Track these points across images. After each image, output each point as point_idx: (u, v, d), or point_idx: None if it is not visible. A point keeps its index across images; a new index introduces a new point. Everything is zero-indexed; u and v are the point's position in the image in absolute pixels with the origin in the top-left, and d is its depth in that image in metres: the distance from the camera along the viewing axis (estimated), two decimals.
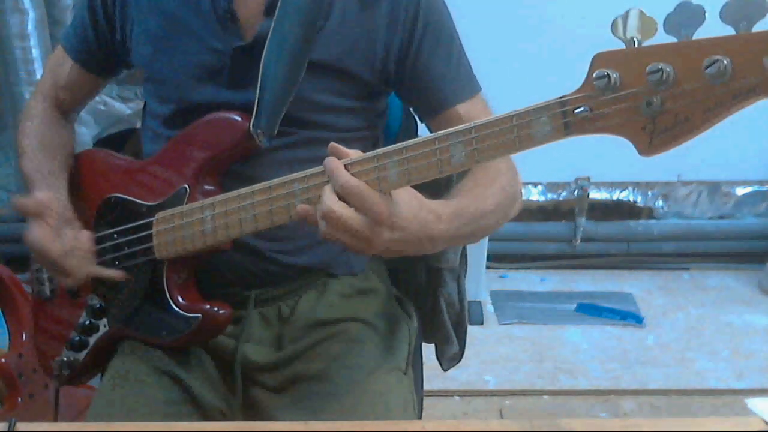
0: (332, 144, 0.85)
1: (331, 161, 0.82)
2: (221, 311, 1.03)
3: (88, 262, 1.07)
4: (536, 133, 0.74)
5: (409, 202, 0.83)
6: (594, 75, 0.70)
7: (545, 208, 2.82)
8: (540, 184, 2.80)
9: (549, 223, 2.83)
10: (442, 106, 1.05)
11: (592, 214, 2.80)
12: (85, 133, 2.42)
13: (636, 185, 2.81)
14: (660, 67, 0.66)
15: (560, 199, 2.81)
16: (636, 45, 0.69)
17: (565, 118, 0.73)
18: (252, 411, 1.08)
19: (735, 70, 0.63)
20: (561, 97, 0.73)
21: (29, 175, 1.13)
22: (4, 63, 2.31)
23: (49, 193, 1.08)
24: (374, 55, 1.03)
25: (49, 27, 2.34)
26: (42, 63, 2.32)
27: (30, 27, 2.26)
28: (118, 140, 1.28)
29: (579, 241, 2.80)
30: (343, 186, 0.80)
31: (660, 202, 2.83)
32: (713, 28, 0.66)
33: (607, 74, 0.69)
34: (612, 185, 2.80)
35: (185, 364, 1.08)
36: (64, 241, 1.05)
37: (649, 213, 2.84)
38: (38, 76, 2.32)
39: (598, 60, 0.71)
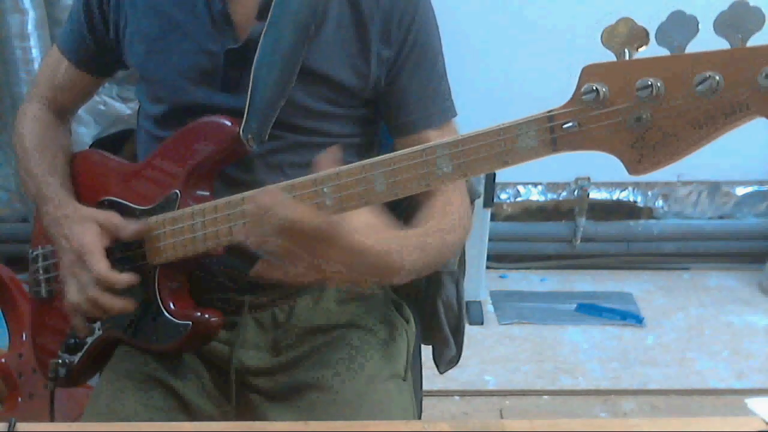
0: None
1: (273, 193, 0.79)
2: (212, 318, 1.02)
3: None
4: (523, 148, 0.72)
5: (368, 227, 0.81)
6: (582, 89, 0.68)
7: (545, 208, 2.82)
8: (540, 184, 2.80)
9: (549, 223, 2.83)
10: (411, 128, 1.04)
11: (592, 214, 2.80)
12: (85, 133, 2.42)
13: (636, 185, 2.81)
14: (650, 82, 0.64)
15: (560, 199, 2.81)
16: (627, 57, 0.66)
17: (552, 134, 0.70)
18: (248, 419, 1.07)
19: (727, 87, 0.61)
20: (549, 111, 0.71)
21: (27, 181, 1.12)
22: (4, 63, 2.31)
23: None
24: (368, 68, 1.02)
25: (49, 27, 2.33)
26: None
27: (30, 27, 2.26)
28: (116, 141, 1.28)
29: (579, 241, 2.80)
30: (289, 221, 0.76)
31: (660, 202, 2.83)
32: (707, 39, 0.63)
33: (596, 88, 0.67)
34: (612, 185, 2.80)
35: (178, 371, 1.07)
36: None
37: (649, 213, 2.84)
38: None
39: (587, 73, 0.68)
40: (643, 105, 0.65)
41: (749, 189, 2.82)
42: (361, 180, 0.82)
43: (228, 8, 1.01)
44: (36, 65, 2.30)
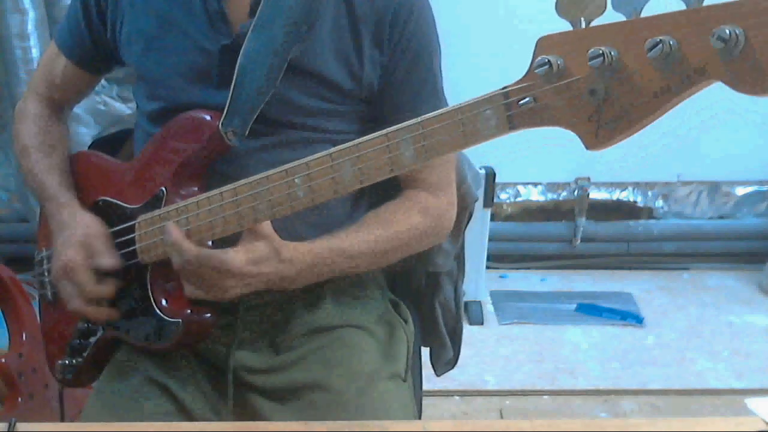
0: None
1: (172, 232, 0.93)
2: (205, 316, 1.02)
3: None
4: (482, 127, 0.70)
5: (264, 254, 0.93)
6: (535, 62, 0.65)
7: (545, 208, 2.82)
8: (540, 184, 2.80)
9: (549, 223, 2.83)
10: None
11: (592, 214, 2.80)
12: (85, 133, 2.42)
13: (636, 185, 2.81)
14: (602, 51, 0.60)
15: (560, 199, 2.81)
16: (583, 26, 0.63)
17: (509, 111, 0.68)
18: (247, 420, 1.06)
19: (682, 50, 0.57)
20: (504, 88, 0.68)
21: (28, 179, 1.14)
22: (4, 63, 2.31)
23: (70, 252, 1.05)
24: (362, 70, 1.02)
25: (49, 27, 2.34)
26: None
27: (30, 27, 2.27)
28: (115, 141, 1.28)
29: (579, 241, 2.80)
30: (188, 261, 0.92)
31: (660, 202, 2.83)
32: (670, 2, 0.60)
33: (549, 61, 0.63)
34: (612, 185, 2.80)
35: (176, 373, 1.07)
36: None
37: (649, 213, 2.84)
38: None
39: (542, 45, 0.65)
40: (598, 75, 0.62)
41: (749, 189, 2.82)
42: (329, 169, 0.82)
43: (224, 6, 1.01)
44: (36, 65, 2.30)
